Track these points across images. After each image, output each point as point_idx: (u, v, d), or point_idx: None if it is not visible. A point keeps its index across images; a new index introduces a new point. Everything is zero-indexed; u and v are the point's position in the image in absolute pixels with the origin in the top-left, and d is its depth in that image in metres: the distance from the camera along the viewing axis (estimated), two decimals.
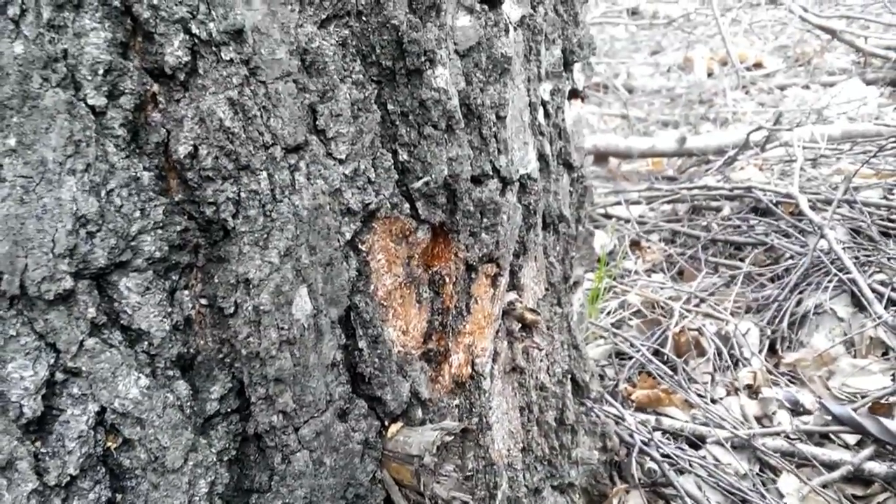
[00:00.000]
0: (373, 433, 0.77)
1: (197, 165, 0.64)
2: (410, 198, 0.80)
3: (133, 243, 0.63)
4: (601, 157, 3.43)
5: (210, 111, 0.64)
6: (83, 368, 0.62)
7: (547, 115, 1.09)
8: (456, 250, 0.85)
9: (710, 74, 5.11)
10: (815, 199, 2.34)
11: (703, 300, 2.07)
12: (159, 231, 0.64)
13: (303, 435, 0.71)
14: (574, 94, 1.21)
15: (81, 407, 0.62)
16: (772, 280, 2.14)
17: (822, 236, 2.04)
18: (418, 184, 0.78)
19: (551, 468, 1.13)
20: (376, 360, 0.77)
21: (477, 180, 0.85)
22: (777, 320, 1.93)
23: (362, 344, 0.76)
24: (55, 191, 0.59)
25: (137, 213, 0.63)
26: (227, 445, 0.69)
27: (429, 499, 0.75)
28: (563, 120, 1.16)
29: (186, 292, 0.67)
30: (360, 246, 0.76)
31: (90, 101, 0.60)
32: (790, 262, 2.13)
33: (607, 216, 2.77)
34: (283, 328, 0.68)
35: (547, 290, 1.12)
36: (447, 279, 0.85)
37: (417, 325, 0.83)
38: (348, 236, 0.74)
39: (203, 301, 0.68)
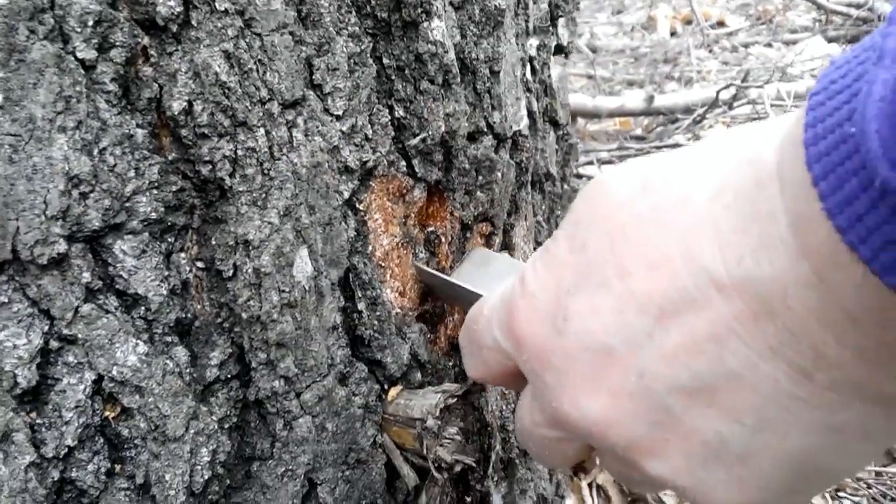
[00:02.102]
0: (373, 397, 0.76)
1: (192, 122, 0.61)
2: (406, 155, 0.77)
3: (128, 204, 0.60)
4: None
5: (205, 64, 0.61)
6: (79, 336, 0.59)
7: (534, 71, 1.07)
8: (451, 209, 0.83)
9: (673, 33, 5.10)
10: None
11: None
12: (154, 191, 0.61)
13: (305, 400, 0.69)
14: (559, 49, 1.19)
15: (77, 376, 0.60)
16: None
17: None
18: (415, 140, 0.76)
19: None
20: (375, 322, 0.75)
21: (471, 137, 0.83)
22: None
23: (361, 306, 0.74)
24: (45, 149, 0.56)
25: (132, 173, 0.60)
26: (228, 412, 0.67)
27: (432, 462, 0.73)
28: (549, 76, 1.14)
29: (183, 255, 0.64)
30: (357, 205, 0.74)
31: (80, 55, 0.57)
32: None
33: (578, 176, 2.76)
34: (284, 291, 0.66)
35: (534, 249, 1.10)
36: (442, 238, 0.83)
37: (414, 286, 0.81)
38: (346, 195, 0.72)
39: (200, 264, 0.65)
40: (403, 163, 0.77)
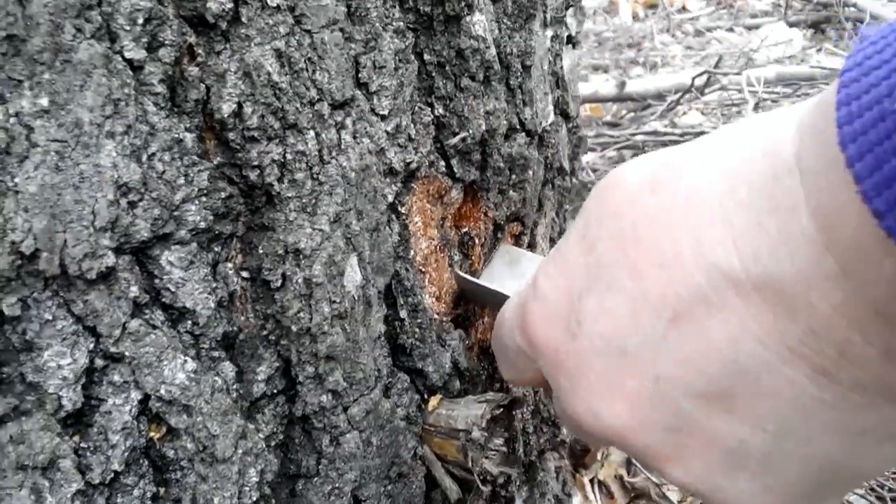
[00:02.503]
0: (413, 408, 0.73)
1: (241, 125, 0.58)
2: (445, 155, 0.74)
3: (176, 213, 0.56)
4: None
5: (257, 64, 0.57)
6: (126, 353, 0.56)
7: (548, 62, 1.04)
8: (485, 209, 0.80)
9: (635, 18, 5.10)
10: None
11: None
12: (203, 199, 0.57)
13: (352, 414, 0.66)
14: (569, 39, 1.16)
15: (123, 396, 0.56)
16: None
17: None
18: (455, 140, 0.73)
19: (554, 428, 1.10)
20: (416, 329, 0.72)
21: (505, 135, 0.80)
22: None
23: (403, 314, 0.71)
24: (93, 156, 0.52)
25: (181, 180, 0.56)
26: (275, 430, 0.64)
27: (478, 475, 0.71)
28: (562, 68, 1.12)
29: (230, 265, 0.61)
30: (399, 209, 0.71)
31: (128, 55, 0.53)
32: None
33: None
34: (335, 301, 0.62)
35: (551, 246, 1.08)
36: (476, 240, 0.80)
37: (449, 290, 0.78)
38: (390, 199, 0.69)
39: (245, 274, 0.62)
40: (442, 163, 0.74)
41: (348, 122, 0.63)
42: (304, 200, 0.61)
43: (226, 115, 0.57)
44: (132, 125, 0.54)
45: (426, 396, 0.74)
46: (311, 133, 0.60)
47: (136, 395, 0.57)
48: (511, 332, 0.55)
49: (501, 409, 0.72)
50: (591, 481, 1.39)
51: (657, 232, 0.41)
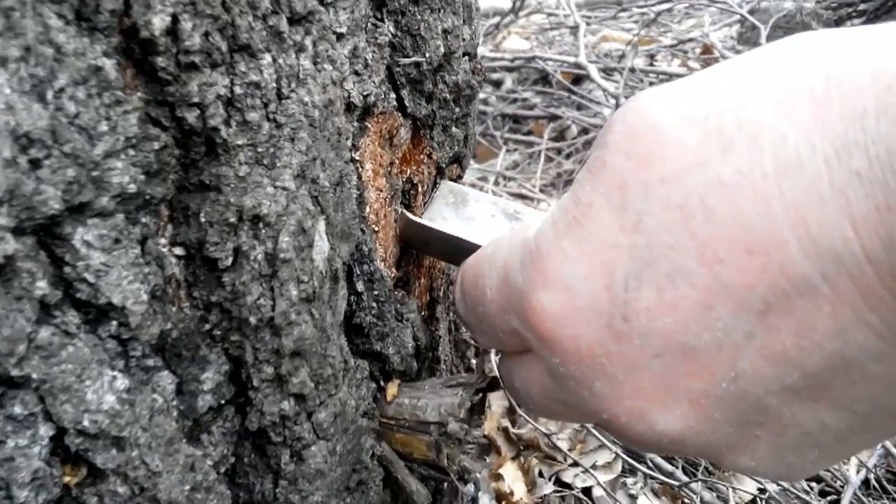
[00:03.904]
0: (370, 400, 0.59)
1: (177, 46, 0.41)
2: (396, 85, 0.60)
3: (96, 173, 0.39)
4: None
5: None
6: (33, 376, 0.39)
7: None
8: (429, 150, 0.67)
9: None
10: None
11: (511, 179, 1.97)
12: (132, 152, 0.41)
13: (319, 421, 0.51)
14: None
15: (29, 434, 0.40)
16: (568, 157, 2.09)
17: (618, 106, 2.01)
18: (407, 61, 0.58)
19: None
20: (374, 304, 0.58)
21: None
22: None
23: (360, 286, 0.57)
24: None
25: (103, 125, 0.39)
26: (225, 452, 0.48)
27: (454, 474, 0.58)
28: None
29: (162, 241, 0.45)
30: (354, 155, 0.56)
31: None
32: (591, 135, 2.08)
33: None
34: (303, 281, 0.47)
35: None
36: (419, 187, 0.67)
37: (393, 250, 0.64)
38: (349, 143, 0.54)
39: (178, 251, 0.46)
40: (393, 95, 0.59)
41: (308, 42, 0.47)
42: (259, 150, 0.45)
43: (157, 33, 0.40)
44: (32, 47, 0.36)
45: (382, 384, 0.61)
46: (267, 57, 0.45)
47: (46, 431, 0.40)
48: (500, 313, 0.46)
49: (480, 395, 0.60)
50: None
51: (738, 206, 0.33)
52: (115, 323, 0.42)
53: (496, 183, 1.89)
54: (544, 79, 2.42)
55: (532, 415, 1.28)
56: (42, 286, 0.39)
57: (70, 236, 0.40)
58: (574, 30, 2.86)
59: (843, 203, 0.31)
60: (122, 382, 0.42)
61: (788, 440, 0.38)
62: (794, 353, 0.34)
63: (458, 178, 0.73)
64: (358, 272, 0.57)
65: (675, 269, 0.36)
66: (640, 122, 0.37)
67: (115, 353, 0.42)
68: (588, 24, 2.98)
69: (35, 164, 0.37)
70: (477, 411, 0.60)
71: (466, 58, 0.68)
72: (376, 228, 0.59)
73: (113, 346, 0.42)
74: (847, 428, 0.37)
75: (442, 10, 0.60)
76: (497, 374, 0.61)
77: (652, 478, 1.22)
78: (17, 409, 0.39)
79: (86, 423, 0.41)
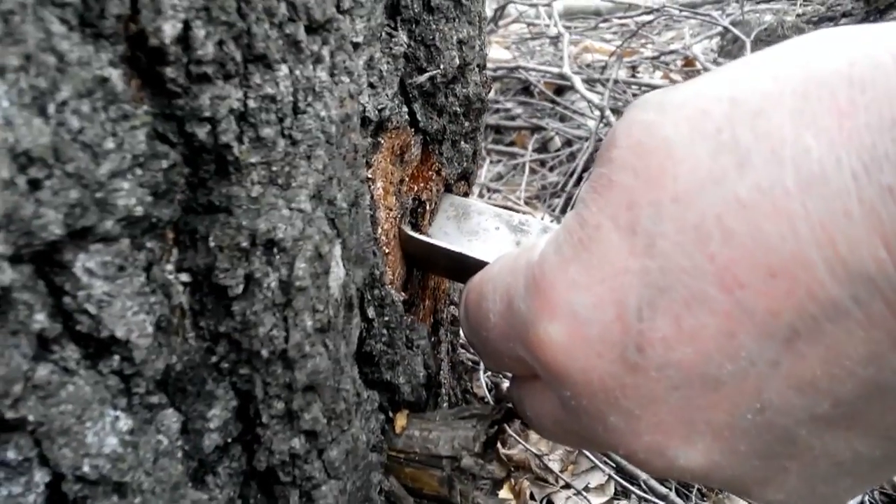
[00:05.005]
0: (378, 432, 0.56)
1: (188, 56, 0.38)
2: (408, 99, 0.57)
3: (100, 194, 0.36)
4: None
5: None
6: (29, 418, 0.35)
7: None
8: (438, 166, 0.63)
9: None
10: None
11: (495, 191, 1.95)
12: (139, 171, 0.37)
13: (331, 459, 0.48)
14: None
15: (23, 481, 0.36)
16: (552, 169, 2.07)
17: (603, 118, 1.99)
18: (422, 78, 0.55)
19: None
20: (384, 331, 0.55)
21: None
22: (570, 207, 1.86)
23: (371, 312, 0.54)
24: None
25: (109, 142, 0.36)
26: (232, 495, 0.45)
27: None
28: None
29: (168, 267, 0.41)
30: (367, 172, 0.52)
31: None
32: (575, 147, 2.06)
33: None
34: (318, 310, 0.44)
35: None
36: (427, 205, 0.63)
37: (400, 271, 0.61)
38: (364, 160, 0.50)
39: (183, 277, 0.42)
40: (405, 109, 0.56)
41: (325, 52, 0.44)
42: (273, 169, 0.42)
43: (167, 41, 0.37)
44: (33, 55, 0.33)
45: (391, 415, 0.57)
46: (284, 68, 0.41)
47: (42, 478, 0.36)
48: (504, 340, 0.43)
49: (496, 428, 0.56)
50: None
51: (758, 226, 0.31)
52: (117, 357, 0.38)
53: (480, 195, 1.86)
54: (526, 89, 2.40)
55: (522, 435, 1.25)
56: (40, 319, 0.35)
57: (71, 264, 0.36)
58: (555, 40, 2.85)
59: (873, 221, 0.28)
60: (124, 423, 0.38)
61: (820, 470, 0.36)
62: (825, 381, 0.32)
63: (466, 196, 0.70)
64: (369, 297, 0.53)
65: (693, 296, 0.33)
66: (648, 136, 0.35)
67: (118, 390, 0.39)
68: (570, 32, 2.97)
69: (35, 184, 0.33)
70: (492, 444, 0.57)
71: (477, 69, 0.65)
72: (386, 250, 0.56)
73: (115, 382, 0.39)
74: (882, 455, 0.35)
75: (457, 20, 0.57)
76: (508, 405, 0.58)
77: (646, 500, 1.20)
78: (11, 455, 0.36)
79: (86, 468, 0.37)
